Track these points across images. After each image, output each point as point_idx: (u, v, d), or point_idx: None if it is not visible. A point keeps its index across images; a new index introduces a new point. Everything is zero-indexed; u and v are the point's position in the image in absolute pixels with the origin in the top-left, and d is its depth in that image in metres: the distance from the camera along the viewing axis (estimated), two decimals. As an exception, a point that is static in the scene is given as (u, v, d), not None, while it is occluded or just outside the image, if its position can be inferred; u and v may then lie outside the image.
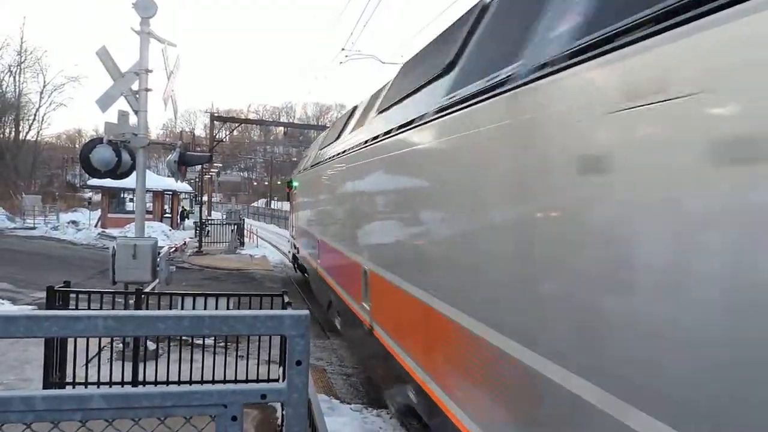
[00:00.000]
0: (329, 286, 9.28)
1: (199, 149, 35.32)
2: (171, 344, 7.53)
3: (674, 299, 1.75)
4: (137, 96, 8.50)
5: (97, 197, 39.83)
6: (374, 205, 6.03)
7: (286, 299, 6.69)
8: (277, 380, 6.37)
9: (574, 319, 2.11)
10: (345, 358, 9.75)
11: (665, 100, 1.68)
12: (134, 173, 8.65)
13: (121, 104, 8.55)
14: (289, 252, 20.41)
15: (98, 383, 6.22)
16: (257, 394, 1.45)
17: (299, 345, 1.47)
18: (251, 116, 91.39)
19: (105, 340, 7.18)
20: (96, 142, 8.41)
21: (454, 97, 3.60)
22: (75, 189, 57.42)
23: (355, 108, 9.56)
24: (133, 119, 8.61)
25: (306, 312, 1.52)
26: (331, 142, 10.18)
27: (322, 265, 10.37)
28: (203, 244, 27.13)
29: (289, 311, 1.50)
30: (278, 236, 40.47)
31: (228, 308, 6.76)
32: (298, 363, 1.46)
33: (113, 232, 26.97)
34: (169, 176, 27.56)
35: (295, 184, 17.05)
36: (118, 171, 8.47)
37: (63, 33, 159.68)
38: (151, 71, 8.48)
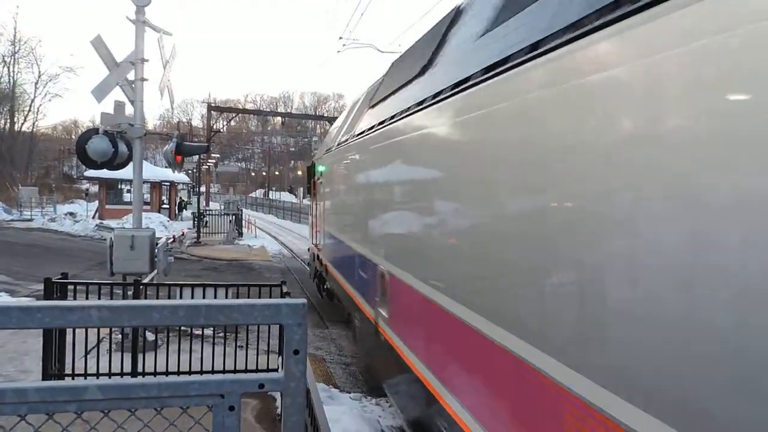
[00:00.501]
0: (424, 385, 4.13)
1: (196, 139, 35.27)
2: (170, 335, 7.53)
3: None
4: (133, 86, 8.42)
5: (95, 188, 39.74)
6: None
7: (285, 289, 6.68)
8: (276, 370, 6.38)
9: None
10: (344, 348, 9.77)
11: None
12: (131, 164, 8.60)
13: (118, 95, 8.50)
14: (309, 264, 14.61)
15: (97, 374, 6.23)
16: (255, 384, 1.43)
17: (297, 334, 1.45)
18: (248, 106, 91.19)
19: (104, 332, 7.18)
20: (92, 132, 8.35)
21: None
22: (72, 180, 57.32)
23: (451, 22, 4.93)
24: (129, 109, 8.54)
25: (303, 301, 1.50)
26: (402, 86, 5.53)
27: (397, 331, 5.00)
28: (201, 234, 27.12)
29: (286, 300, 1.48)
30: (277, 227, 40.52)
31: (227, 298, 6.75)
32: (296, 352, 1.45)
33: (111, 223, 26.93)
34: (166, 167, 27.52)
35: (320, 169, 11.46)
36: (114, 162, 8.42)
37: (57, 23, 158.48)
38: (147, 60, 8.41)
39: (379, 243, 5.81)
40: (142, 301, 1.34)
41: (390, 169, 5.51)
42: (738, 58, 1.57)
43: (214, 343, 6.77)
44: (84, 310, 1.27)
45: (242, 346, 7.66)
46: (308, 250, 15.18)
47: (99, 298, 6.46)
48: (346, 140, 8.43)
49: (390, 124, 5.42)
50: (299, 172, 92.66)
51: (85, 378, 6.12)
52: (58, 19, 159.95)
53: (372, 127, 6.42)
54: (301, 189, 75.32)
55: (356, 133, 7.58)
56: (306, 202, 58.44)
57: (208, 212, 32.58)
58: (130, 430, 1.44)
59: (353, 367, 8.84)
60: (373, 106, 7.18)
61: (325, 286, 11.53)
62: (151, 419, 1.40)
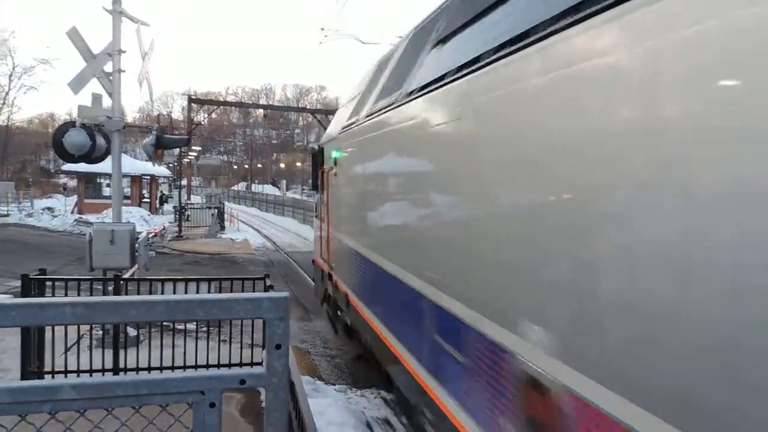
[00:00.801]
0: None
1: (177, 132, 34.81)
2: (152, 330, 7.45)
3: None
4: (111, 78, 8.28)
5: (73, 183, 39.13)
6: None
7: (269, 282, 6.64)
8: (260, 364, 6.34)
9: None
10: (329, 341, 9.77)
11: None
12: (110, 157, 8.46)
13: (95, 87, 8.34)
14: (315, 281, 11.20)
15: (78, 371, 6.14)
16: (236, 380, 1.41)
17: (279, 328, 1.43)
18: (230, 98, 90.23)
19: (84, 328, 7.08)
20: (69, 125, 8.20)
21: None
22: (49, 175, 56.38)
23: None
24: (107, 102, 8.39)
25: (285, 294, 1.48)
26: None
27: None
28: (183, 228, 26.86)
29: (267, 294, 1.45)
30: (260, 220, 40.26)
31: (209, 293, 6.69)
32: (278, 347, 1.42)
33: (90, 218, 26.54)
34: (146, 160, 27.13)
35: (335, 154, 8.04)
36: (92, 155, 8.28)
37: (32, 14, 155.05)
38: (124, 52, 8.26)
39: (513, 306, 2.78)
40: (118, 298, 1.31)
41: (548, 140, 2.52)
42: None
43: (197, 338, 6.72)
44: (58, 308, 1.23)
45: (226, 340, 7.62)
46: (313, 262, 11.06)
47: (78, 294, 6.36)
48: (391, 105, 5.21)
49: (525, 47, 2.75)
50: (282, 165, 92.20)
51: (66, 376, 6.04)
52: (32, 10, 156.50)
53: (466, 68, 3.47)
54: (284, 181, 75.03)
55: (414, 89, 4.58)
56: (291, 195, 58.16)
57: (189, 206, 32.28)
58: (109, 429, 1.41)
59: (338, 359, 8.85)
60: (444, 41, 4.44)
61: (338, 313, 8.26)
62: (129, 418, 1.37)
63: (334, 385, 7.41)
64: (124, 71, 8.31)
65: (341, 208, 7.71)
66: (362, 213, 6.41)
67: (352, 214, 6.98)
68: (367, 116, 6.32)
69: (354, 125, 7.06)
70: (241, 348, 6.84)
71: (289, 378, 3.01)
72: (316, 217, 10.68)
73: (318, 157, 10.08)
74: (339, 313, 8.21)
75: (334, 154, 8.06)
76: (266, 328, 1.46)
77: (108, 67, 8.27)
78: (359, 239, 6.47)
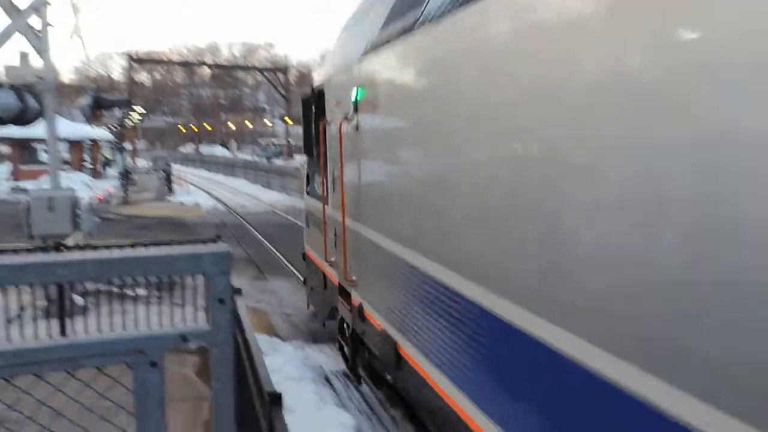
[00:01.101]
0: None
1: (117, 94, 33.27)
2: (101, 297, 7.25)
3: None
4: (39, 34, 7.76)
5: (6, 149, 37.02)
6: None
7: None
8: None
9: None
10: (284, 299, 9.76)
11: None
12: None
13: (24, 46, 7.82)
14: (307, 284, 8.24)
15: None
16: (177, 337, 1.36)
17: (221, 283, 1.39)
18: (174, 58, 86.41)
19: (27, 299, 6.81)
20: (-6, 86, 7.69)
21: None
22: (-20, 141, 53.15)
23: None
24: (39, 63, 7.89)
25: (226, 248, 1.43)
26: None
27: None
28: (129, 193, 25.98)
29: (207, 248, 1.40)
30: (210, 182, 39.34)
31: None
32: (221, 301, 1.38)
33: (27, 185, 25.28)
34: (85, 123, 25.87)
35: (356, 95, 4.99)
36: (24, 118, 7.82)
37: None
38: (49, 4, 7.73)
39: None
40: (44, 257, 1.23)
41: None
42: None
43: (148, 303, 6.57)
44: (-25, 271, 1.15)
45: (180, 304, 7.49)
46: (303, 257, 8.22)
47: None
48: None
49: None
50: (231, 125, 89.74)
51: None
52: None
53: None
54: (234, 142, 73.05)
55: None
56: (242, 156, 56.64)
57: (134, 170, 31.18)
58: (44, 394, 1.35)
59: (295, 317, 8.87)
60: None
61: (357, 349, 5.85)
62: (63, 382, 1.31)
63: (291, 342, 7.44)
64: (51, 26, 7.82)
65: (376, 185, 4.68)
66: (443, 200, 3.46)
67: (412, 199, 3.94)
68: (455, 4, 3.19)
69: (409, 32, 3.89)
70: (196, 311, 6.74)
71: (240, 334, 2.98)
72: (308, 193, 7.63)
73: (312, 104, 6.78)
74: (358, 347, 5.79)
75: (354, 93, 5.03)
76: (209, 284, 1.42)
77: (35, 23, 7.74)
78: (437, 253, 3.53)
